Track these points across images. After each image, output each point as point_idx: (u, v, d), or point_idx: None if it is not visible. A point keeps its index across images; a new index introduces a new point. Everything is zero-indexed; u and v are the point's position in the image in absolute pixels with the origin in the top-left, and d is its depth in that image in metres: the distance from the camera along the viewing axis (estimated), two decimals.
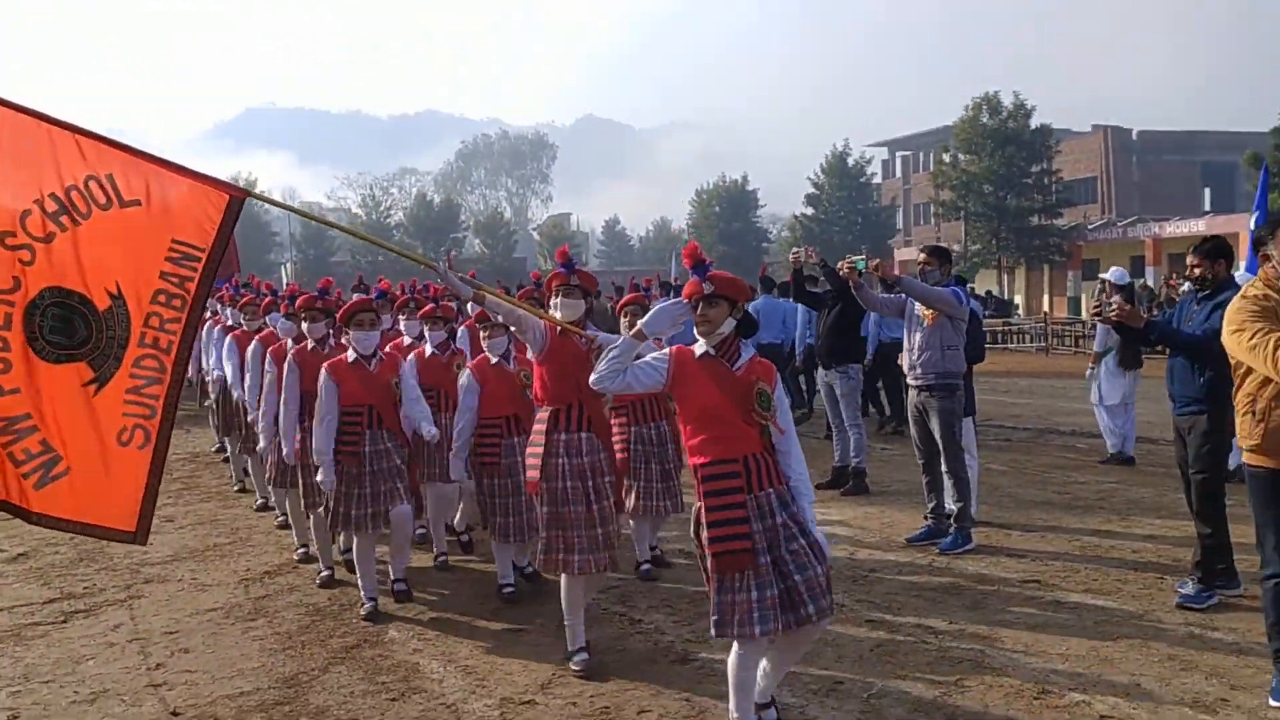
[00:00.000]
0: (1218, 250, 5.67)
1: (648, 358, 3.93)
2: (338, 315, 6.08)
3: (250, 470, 8.75)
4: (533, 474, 4.89)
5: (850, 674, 4.66)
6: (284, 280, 31.71)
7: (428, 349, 6.81)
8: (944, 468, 6.80)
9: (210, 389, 9.39)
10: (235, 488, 9.45)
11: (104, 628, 5.70)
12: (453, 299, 8.91)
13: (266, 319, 8.17)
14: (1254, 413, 4.17)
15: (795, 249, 8.40)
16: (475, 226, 67.85)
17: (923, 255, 7.08)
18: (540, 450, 4.86)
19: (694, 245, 3.90)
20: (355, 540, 5.80)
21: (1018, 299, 45.65)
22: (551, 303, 5.12)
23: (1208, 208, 44.99)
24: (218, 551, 7.33)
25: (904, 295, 6.90)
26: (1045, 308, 42.60)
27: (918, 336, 6.80)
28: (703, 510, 3.77)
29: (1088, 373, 10.33)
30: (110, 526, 4.01)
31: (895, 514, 7.83)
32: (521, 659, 5.01)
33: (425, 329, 6.89)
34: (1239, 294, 4.25)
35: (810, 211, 54.06)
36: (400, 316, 7.76)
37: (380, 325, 6.13)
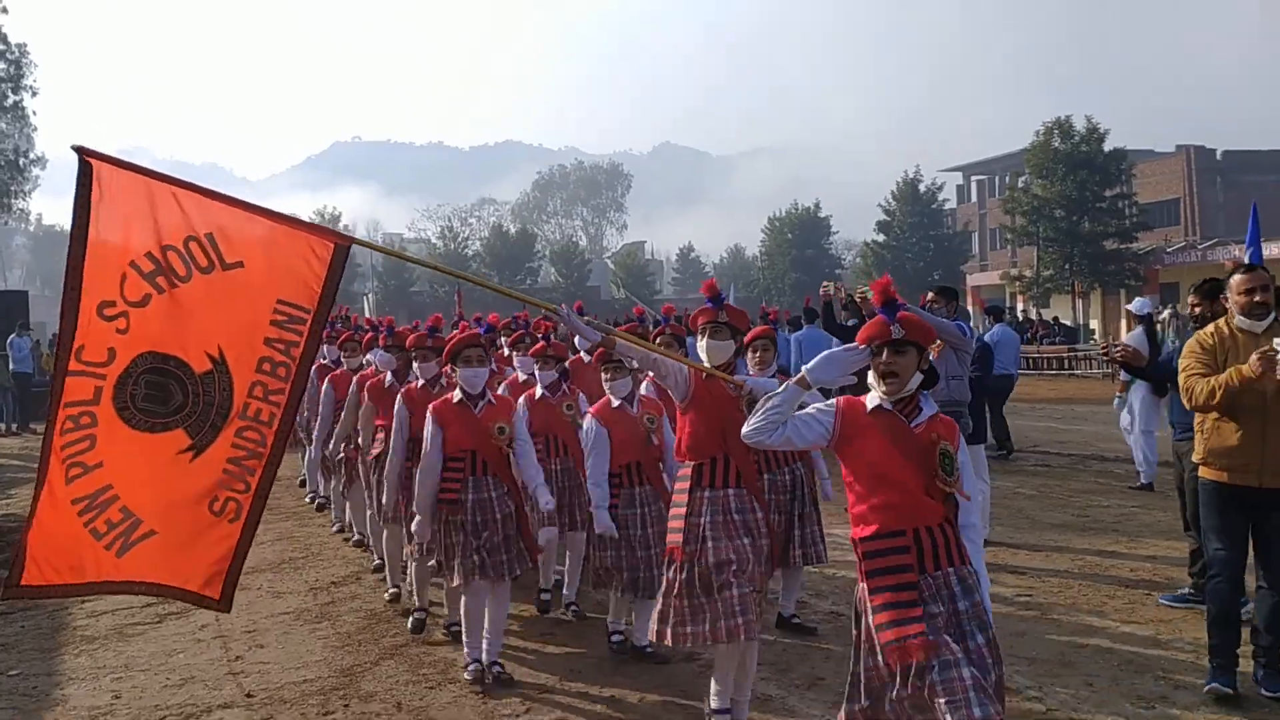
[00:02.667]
0: (1215, 289, 6.17)
1: (810, 409, 3.47)
2: (443, 353, 5.62)
3: (350, 512, 8.66)
4: (674, 538, 4.39)
5: (833, 674, 5.23)
6: (365, 311, 33.14)
7: (538, 390, 6.45)
8: None
9: (307, 437, 9.15)
10: (334, 529, 9.28)
11: (193, 627, 6.52)
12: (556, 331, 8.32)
13: (367, 356, 7.86)
14: (1202, 432, 4.81)
15: (825, 283, 9.00)
16: (550, 255, 69.33)
17: (930, 294, 7.64)
18: (682, 511, 4.40)
19: (887, 279, 3.43)
20: (462, 597, 5.38)
21: (1094, 324, 45.12)
22: (697, 344, 4.62)
23: None
24: (292, 565, 8.16)
25: None
26: (1122, 333, 42.10)
27: None
28: (865, 592, 3.30)
29: (1115, 401, 10.68)
30: (194, 591, 3.88)
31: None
32: (547, 657, 5.69)
33: (536, 368, 6.50)
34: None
35: (882, 238, 54.13)
36: (514, 354, 7.36)
37: (489, 362, 5.66)
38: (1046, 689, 4.89)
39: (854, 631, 3.38)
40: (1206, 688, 4.69)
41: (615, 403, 5.51)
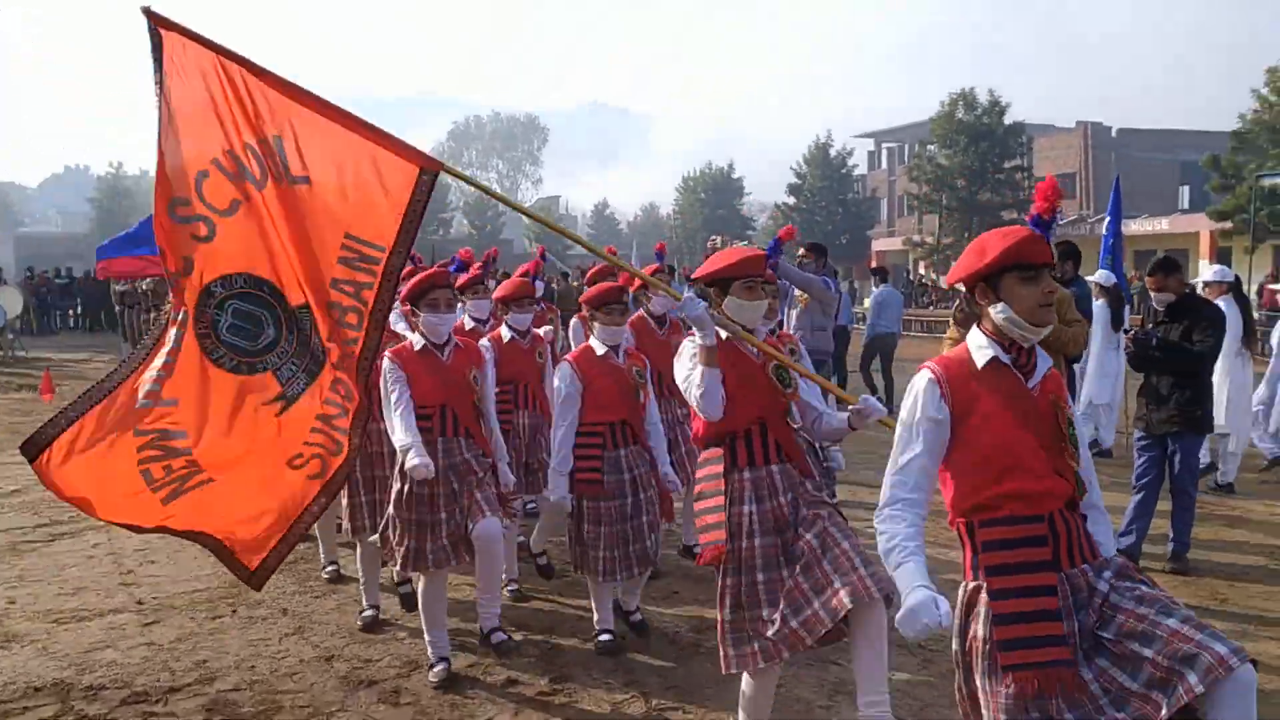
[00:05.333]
0: (1066, 254, 7.01)
1: (912, 418, 2.68)
2: (402, 294, 4.67)
3: None
4: (716, 535, 3.59)
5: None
6: None
7: (505, 333, 5.76)
8: None
9: None
10: None
11: (85, 546, 6.77)
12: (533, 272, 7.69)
13: None
14: None
15: (713, 238, 9.49)
16: (464, 207, 68.78)
17: (802, 250, 8.19)
18: (720, 500, 3.63)
19: (1052, 180, 2.52)
20: (422, 582, 4.62)
21: None
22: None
23: (1185, 206, 46.08)
24: None
25: (786, 281, 7.98)
26: None
27: (793, 318, 7.90)
28: (983, 593, 2.55)
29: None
30: (231, 548, 3.29)
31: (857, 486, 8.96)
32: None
33: (512, 311, 5.82)
34: None
35: (792, 201, 55.12)
36: (465, 299, 6.41)
37: (457, 307, 4.95)
38: None
39: (956, 644, 2.63)
40: None
41: (600, 350, 4.83)
